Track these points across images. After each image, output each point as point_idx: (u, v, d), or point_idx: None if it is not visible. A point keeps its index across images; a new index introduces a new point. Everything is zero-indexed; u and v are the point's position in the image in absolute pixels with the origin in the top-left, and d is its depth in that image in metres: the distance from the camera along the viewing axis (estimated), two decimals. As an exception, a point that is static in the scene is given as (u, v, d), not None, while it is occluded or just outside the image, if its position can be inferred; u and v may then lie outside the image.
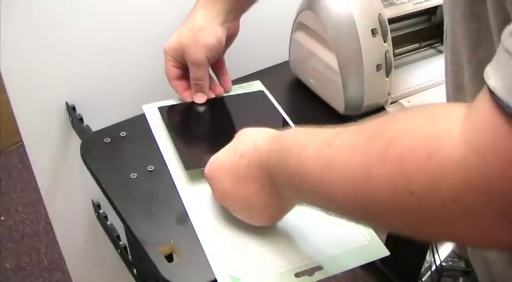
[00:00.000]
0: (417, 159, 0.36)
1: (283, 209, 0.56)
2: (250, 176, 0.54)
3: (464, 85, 0.50)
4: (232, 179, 0.56)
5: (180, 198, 0.65)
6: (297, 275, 0.56)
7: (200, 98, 0.78)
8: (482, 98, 0.34)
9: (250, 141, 0.56)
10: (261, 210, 0.56)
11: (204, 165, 0.62)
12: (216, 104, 0.79)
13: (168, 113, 0.78)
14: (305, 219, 0.61)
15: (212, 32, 0.74)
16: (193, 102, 0.79)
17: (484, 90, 0.34)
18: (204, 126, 0.79)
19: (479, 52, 0.46)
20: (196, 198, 0.64)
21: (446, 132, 0.35)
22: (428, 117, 0.37)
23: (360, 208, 0.42)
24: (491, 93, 0.32)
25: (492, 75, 0.33)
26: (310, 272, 0.56)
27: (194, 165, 0.67)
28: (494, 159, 0.32)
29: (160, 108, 0.78)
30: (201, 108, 0.79)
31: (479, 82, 0.35)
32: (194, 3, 0.76)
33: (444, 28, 0.53)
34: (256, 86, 0.84)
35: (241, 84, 0.84)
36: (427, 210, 0.36)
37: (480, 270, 0.58)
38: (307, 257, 0.58)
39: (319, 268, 0.56)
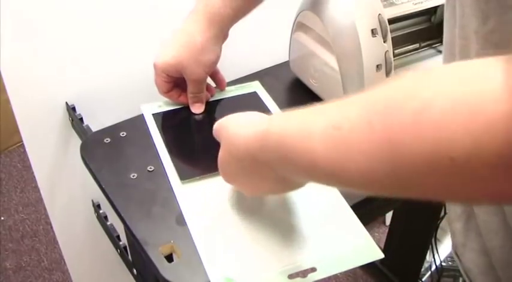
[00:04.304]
0: (458, 121, 0.33)
1: (291, 188, 0.54)
2: (257, 171, 0.52)
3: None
4: (243, 176, 0.55)
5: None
6: (291, 276, 0.56)
7: (199, 109, 0.79)
8: None
9: (241, 144, 0.52)
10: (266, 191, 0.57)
11: (199, 174, 0.66)
12: (209, 109, 0.80)
13: (162, 120, 0.78)
14: (299, 221, 0.61)
15: (213, 51, 0.75)
16: (186, 108, 0.79)
17: None
18: (197, 134, 0.79)
19: (487, 23, 0.45)
20: (191, 199, 0.64)
21: (488, 88, 0.32)
22: (463, 75, 0.34)
23: (386, 186, 0.38)
24: None
25: None
26: (303, 273, 0.56)
27: (189, 175, 0.67)
28: None
29: (154, 115, 0.78)
30: (194, 114, 0.79)
31: (487, 57, 0.33)
32: (191, 8, 0.75)
33: (445, 4, 0.52)
34: (254, 86, 0.84)
35: (238, 85, 0.84)
36: (469, 173, 0.33)
37: (475, 259, 0.58)
38: (301, 259, 0.57)
39: (312, 270, 0.56)
